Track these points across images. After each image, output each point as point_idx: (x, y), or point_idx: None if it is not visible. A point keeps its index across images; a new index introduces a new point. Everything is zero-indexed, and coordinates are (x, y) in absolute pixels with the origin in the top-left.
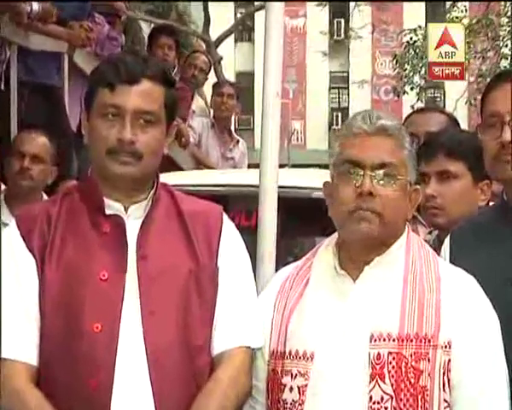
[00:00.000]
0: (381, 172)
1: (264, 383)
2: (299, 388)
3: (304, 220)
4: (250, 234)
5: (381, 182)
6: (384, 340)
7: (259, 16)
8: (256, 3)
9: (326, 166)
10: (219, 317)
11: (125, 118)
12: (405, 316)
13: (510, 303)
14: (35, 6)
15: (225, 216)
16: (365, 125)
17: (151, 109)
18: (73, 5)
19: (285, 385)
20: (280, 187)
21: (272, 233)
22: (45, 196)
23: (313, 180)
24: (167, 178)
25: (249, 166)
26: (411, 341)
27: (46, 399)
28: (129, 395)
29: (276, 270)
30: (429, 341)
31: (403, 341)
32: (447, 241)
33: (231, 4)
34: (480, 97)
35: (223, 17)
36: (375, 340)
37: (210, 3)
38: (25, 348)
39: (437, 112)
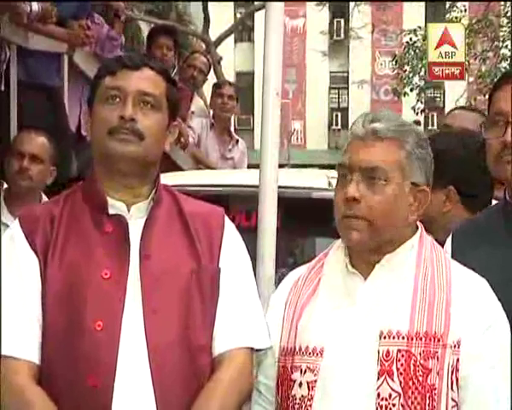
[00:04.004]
0: (369, 176)
1: (274, 380)
2: (308, 383)
3: (304, 221)
4: (250, 234)
5: (370, 187)
6: (393, 338)
7: (259, 16)
8: (256, 3)
9: (326, 167)
10: (221, 318)
11: (127, 99)
12: (415, 314)
13: (511, 302)
14: (35, 6)
15: (226, 218)
16: (358, 129)
17: (153, 92)
18: (73, 5)
19: (294, 381)
20: (280, 187)
21: (272, 233)
22: (44, 197)
23: (313, 180)
24: (167, 178)
25: (249, 167)
26: (421, 339)
27: (48, 397)
28: (130, 393)
29: (276, 271)
30: (438, 340)
31: (412, 339)
32: (449, 241)
33: (231, 4)
34: (479, 98)
35: (222, 17)
36: (385, 337)
37: (210, 3)
38: (26, 346)
39: (479, 113)
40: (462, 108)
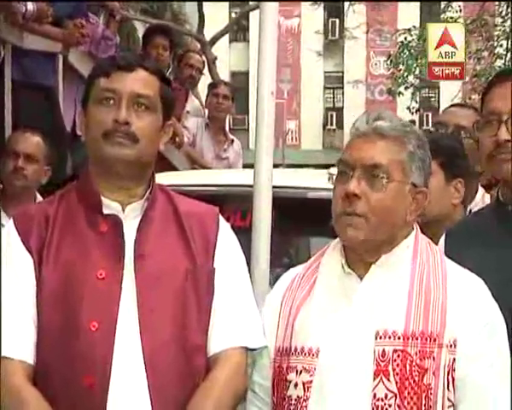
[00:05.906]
0: (370, 173)
1: (270, 380)
2: (303, 384)
3: (298, 220)
4: (245, 234)
5: (371, 184)
6: (389, 337)
7: (254, 16)
8: (251, 3)
9: (321, 166)
10: (216, 317)
11: (121, 101)
12: (411, 314)
13: (506, 303)
14: (30, 6)
15: (221, 217)
16: (362, 126)
17: (147, 94)
18: (69, 5)
19: (290, 382)
20: (274, 187)
21: (267, 233)
22: (39, 196)
23: (308, 180)
24: (162, 178)
25: (244, 166)
26: (416, 339)
27: (43, 397)
28: (125, 393)
29: (271, 271)
30: (434, 339)
31: (408, 339)
32: (442, 241)
33: (226, 4)
34: (474, 97)
35: (217, 17)
36: (381, 337)
37: (204, 3)
38: (21, 346)
39: (474, 110)
40: (456, 105)
